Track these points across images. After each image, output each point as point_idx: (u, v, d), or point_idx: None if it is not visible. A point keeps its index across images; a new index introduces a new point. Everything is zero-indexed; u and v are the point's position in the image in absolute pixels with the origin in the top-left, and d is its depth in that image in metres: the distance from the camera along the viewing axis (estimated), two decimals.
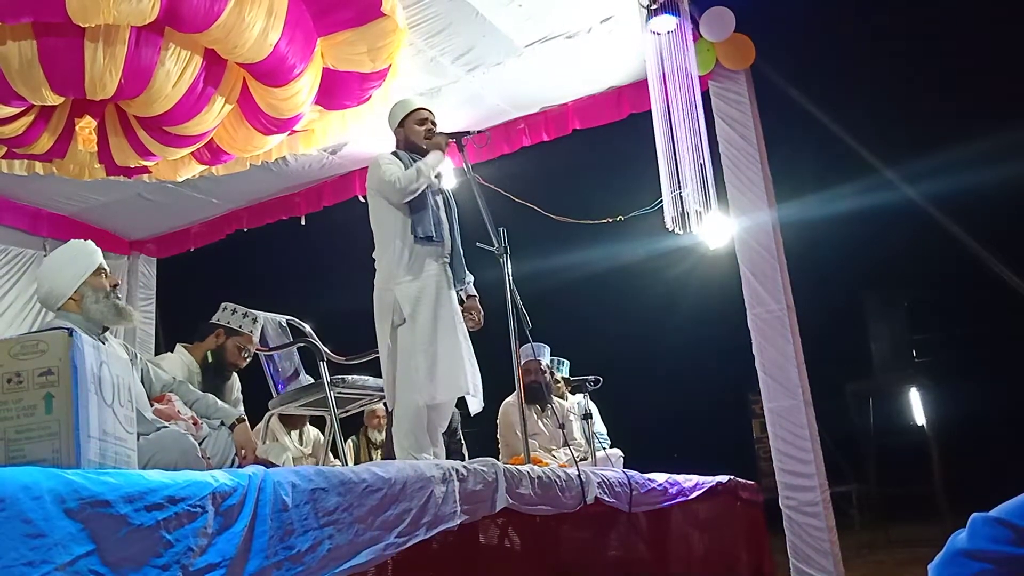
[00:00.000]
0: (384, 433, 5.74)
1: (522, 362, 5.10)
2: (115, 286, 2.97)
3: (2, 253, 6.27)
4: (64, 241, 3.02)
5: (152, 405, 2.97)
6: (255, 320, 4.33)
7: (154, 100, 3.76)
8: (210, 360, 4.22)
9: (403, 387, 3.58)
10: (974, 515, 1.11)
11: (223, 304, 4.34)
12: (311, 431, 5.67)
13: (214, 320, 4.29)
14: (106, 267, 3.02)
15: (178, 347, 4.26)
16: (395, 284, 3.61)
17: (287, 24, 3.66)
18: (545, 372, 5.46)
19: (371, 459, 5.74)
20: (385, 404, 4.19)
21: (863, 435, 8.98)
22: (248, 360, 4.37)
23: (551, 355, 5.62)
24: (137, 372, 3.01)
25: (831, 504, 4.52)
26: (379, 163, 3.73)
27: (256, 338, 4.37)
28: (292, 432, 5.52)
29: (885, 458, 8.97)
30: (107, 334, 2.96)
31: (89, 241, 3.04)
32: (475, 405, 3.71)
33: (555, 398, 5.55)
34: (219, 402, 3.17)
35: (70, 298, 2.87)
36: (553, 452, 5.32)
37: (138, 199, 6.29)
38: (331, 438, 4.66)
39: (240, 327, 4.27)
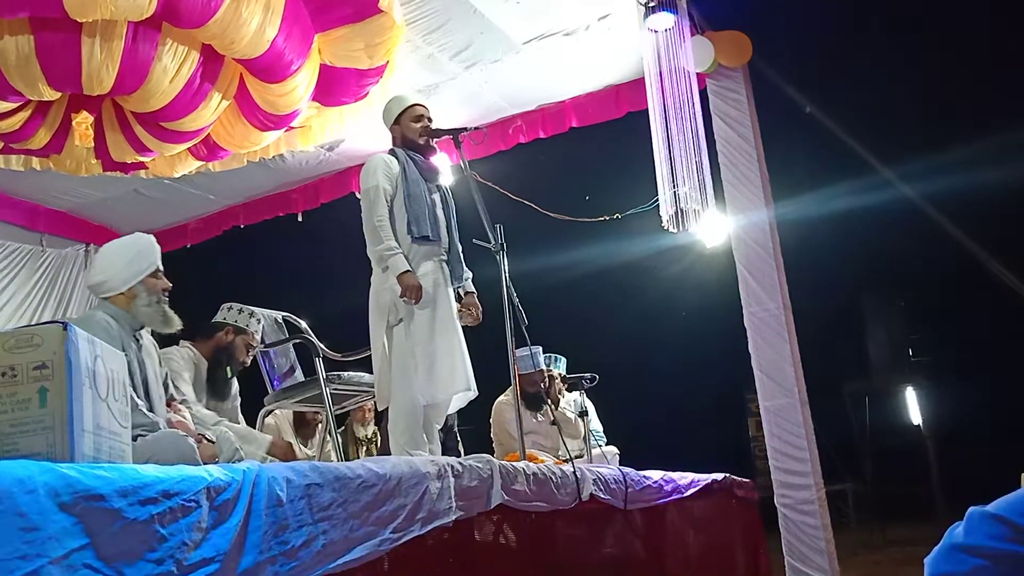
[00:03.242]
0: (369, 428, 5.76)
1: (528, 372, 5.14)
2: (166, 290, 2.96)
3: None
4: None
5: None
6: (259, 320, 4.36)
7: (151, 95, 3.75)
8: (222, 358, 4.23)
9: (399, 385, 3.57)
10: (971, 509, 1.11)
11: (226, 304, 4.35)
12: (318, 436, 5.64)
13: (219, 319, 4.30)
14: (161, 267, 3.01)
15: (182, 343, 4.25)
16: (392, 284, 3.60)
17: (284, 20, 3.66)
18: (546, 380, 5.48)
19: (357, 454, 5.72)
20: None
21: (859, 434, 9.00)
22: (251, 358, 4.39)
23: (544, 351, 5.60)
24: (163, 374, 3.01)
25: (827, 502, 4.54)
26: (375, 172, 3.68)
27: (258, 336, 4.38)
28: (298, 438, 5.49)
29: (881, 457, 8.99)
30: (143, 331, 2.96)
31: (152, 237, 3.03)
32: (462, 401, 3.72)
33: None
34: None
35: (121, 292, 2.87)
36: (548, 450, 5.32)
37: (135, 195, 6.27)
38: (326, 434, 4.66)
39: (247, 325, 4.29)
